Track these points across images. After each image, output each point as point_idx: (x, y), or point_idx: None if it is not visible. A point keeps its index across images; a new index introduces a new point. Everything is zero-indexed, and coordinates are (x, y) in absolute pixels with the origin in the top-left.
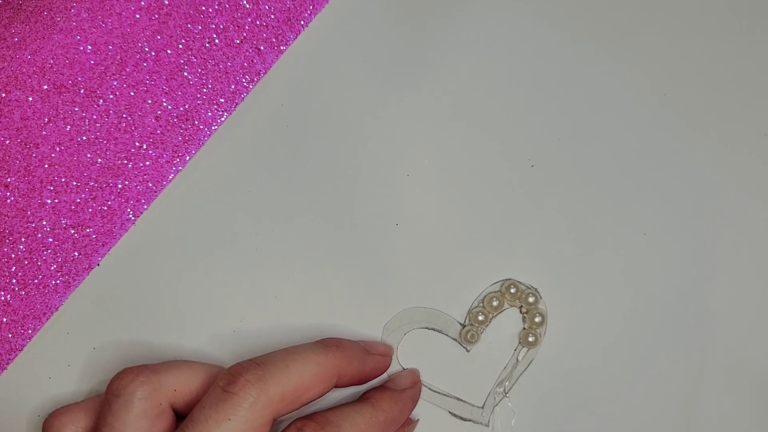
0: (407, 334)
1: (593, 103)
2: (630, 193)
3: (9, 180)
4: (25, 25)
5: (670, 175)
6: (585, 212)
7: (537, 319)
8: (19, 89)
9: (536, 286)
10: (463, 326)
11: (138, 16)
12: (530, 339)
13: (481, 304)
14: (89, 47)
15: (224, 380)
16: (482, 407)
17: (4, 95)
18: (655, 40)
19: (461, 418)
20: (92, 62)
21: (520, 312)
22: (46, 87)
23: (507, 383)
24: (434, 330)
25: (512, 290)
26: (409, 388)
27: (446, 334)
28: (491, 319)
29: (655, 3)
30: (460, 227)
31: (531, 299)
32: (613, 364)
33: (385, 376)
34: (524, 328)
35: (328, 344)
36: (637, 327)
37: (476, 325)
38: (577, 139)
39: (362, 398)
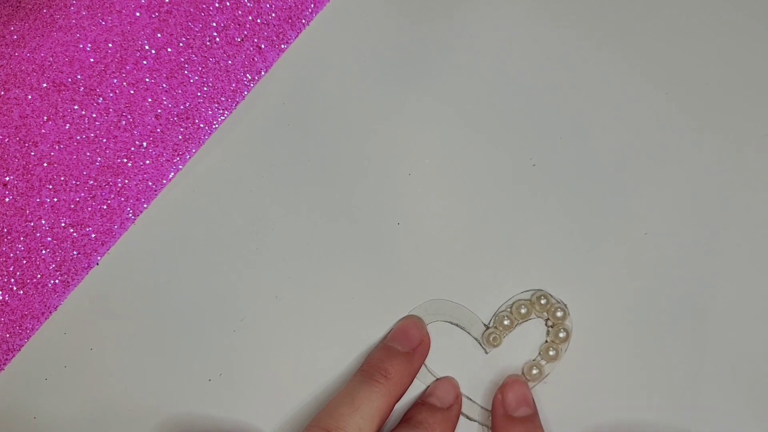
0: (429, 325)
1: (596, 101)
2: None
3: (8, 178)
4: (24, 23)
5: (671, 176)
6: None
7: (561, 335)
8: (18, 87)
9: (566, 303)
10: (487, 327)
11: (138, 14)
12: (551, 353)
13: (509, 309)
14: (89, 45)
15: None
16: (490, 411)
17: (3, 93)
18: (656, 39)
19: (467, 417)
20: (92, 60)
21: (546, 325)
22: (45, 85)
23: None
24: (457, 326)
25: (542, 301)
26: (455, 404)
27: (468, 332)
28: (516, 325)
29: (656, 2)
30: (461, 227)
31: (559, 314)
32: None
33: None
34: (546, 341)
35: (377, 378)
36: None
37: (500, 328)
38: (578, 138)
39: (411, 421)
